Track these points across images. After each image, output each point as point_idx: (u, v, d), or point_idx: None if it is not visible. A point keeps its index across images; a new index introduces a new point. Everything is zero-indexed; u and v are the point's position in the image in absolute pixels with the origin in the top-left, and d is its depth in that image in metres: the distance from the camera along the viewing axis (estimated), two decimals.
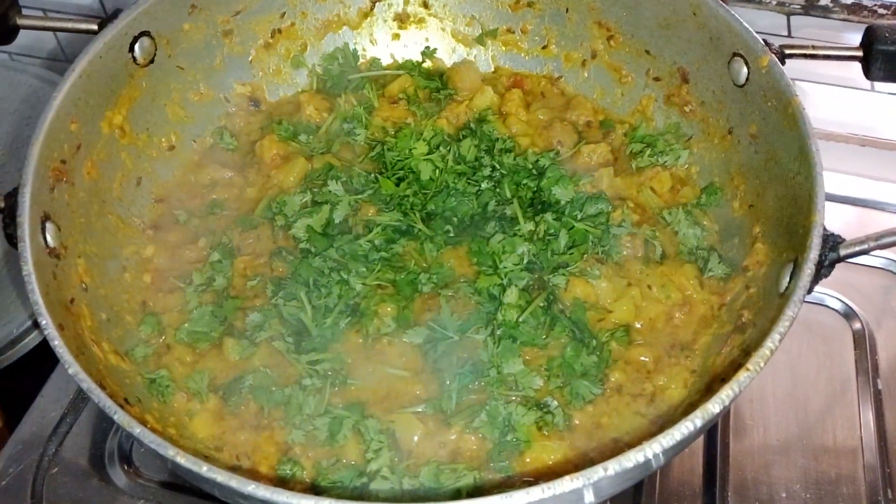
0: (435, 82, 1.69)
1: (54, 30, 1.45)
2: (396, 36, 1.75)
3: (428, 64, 1.74)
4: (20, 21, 1.41)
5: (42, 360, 1.49)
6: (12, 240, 1.17)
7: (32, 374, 1.56)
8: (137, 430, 1.01)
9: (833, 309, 1.65)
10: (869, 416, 1.50)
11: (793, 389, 1.54)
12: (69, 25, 1.43)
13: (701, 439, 1.47)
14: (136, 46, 1.43)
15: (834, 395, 1.54)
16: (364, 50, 1.74)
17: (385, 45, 1.75)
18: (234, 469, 1.19)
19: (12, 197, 1.20)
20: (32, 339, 1.60)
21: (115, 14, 1.40)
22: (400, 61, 1.74)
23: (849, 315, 1.64)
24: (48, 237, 1.22)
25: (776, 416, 1.51)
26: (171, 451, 0.99)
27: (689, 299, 1.37)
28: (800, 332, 1.60)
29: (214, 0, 1.54)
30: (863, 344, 1.60)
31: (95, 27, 1.39)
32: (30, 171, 1.21)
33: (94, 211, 1.36)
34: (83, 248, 1.31)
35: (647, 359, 1.31)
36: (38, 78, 1.91)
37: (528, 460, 1.20)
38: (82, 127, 1.34)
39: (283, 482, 1.19)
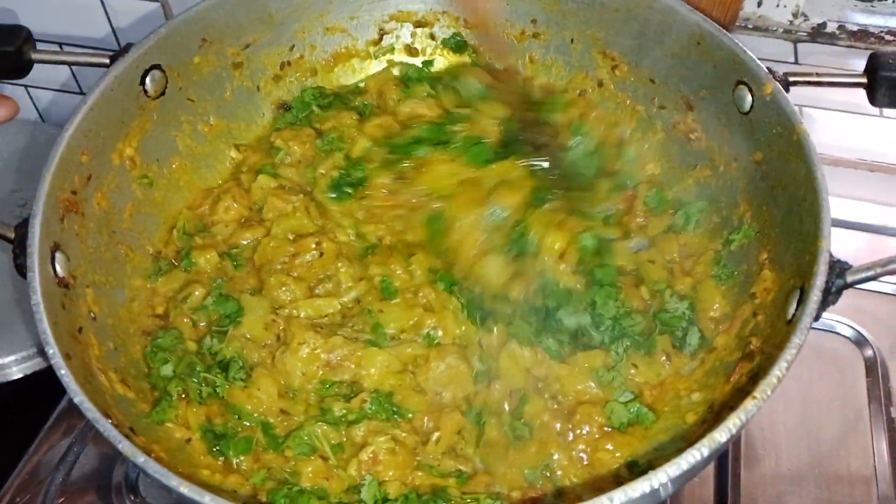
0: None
1: (67, 63, 1.46)
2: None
3: None
4: (34, 55, 1.43)
5: (49, 388, 1.49)
6: (22, 270, 1.18)
7: (40, 402, 1.57)
8: (141, 459, 1.01)
9: (844, 336, 1.64)
10: (882, 445, 1.48)
11: (805, 418, 1.52)
12: (82, 59, 1.45)
13: (711, 468, 1.45)
14: (147, 79, 1.45)
15: (847, 424, 1.52)
16: None
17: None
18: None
19: (23, 228, 1.21)
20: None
21: (127, 48, 1.43)
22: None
23: (860, 342, 1.62)
24: (57, 267, 1.23)
25: (788, 444, 1.49)
26: (174, 482, 0.98)
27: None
28: (811, 360, 1.58)
29: (224, 33, 1.56)
30: (875, 371, 1.58)
31: (107, 60, 1.42)
32: (40, 203, 1.23)
33: (103, 241, 1.37)
34: (92, 277, 1.32)
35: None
36: None
37: None
38: (93, 158, 1.36)
39: None
